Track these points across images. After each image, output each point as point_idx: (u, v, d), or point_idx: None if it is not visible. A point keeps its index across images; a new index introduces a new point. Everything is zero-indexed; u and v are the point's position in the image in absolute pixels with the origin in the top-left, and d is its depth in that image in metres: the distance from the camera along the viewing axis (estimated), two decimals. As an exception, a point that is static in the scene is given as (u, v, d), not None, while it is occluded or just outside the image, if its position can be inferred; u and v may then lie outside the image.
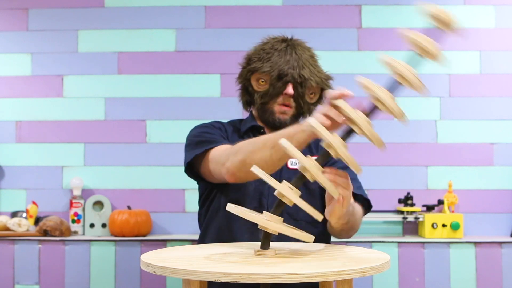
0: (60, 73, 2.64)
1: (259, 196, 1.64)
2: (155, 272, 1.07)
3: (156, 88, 2.62)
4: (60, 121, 2.62)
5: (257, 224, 1.18)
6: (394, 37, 2.60)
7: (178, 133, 2.57)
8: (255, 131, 1.78)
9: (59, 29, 2.65)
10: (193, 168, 1.69)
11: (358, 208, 1.61)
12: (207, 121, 1.81)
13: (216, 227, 1.68)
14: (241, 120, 1.87)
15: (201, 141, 1.65)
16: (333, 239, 1.76)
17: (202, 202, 1.79)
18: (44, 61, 2.64)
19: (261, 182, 1.61)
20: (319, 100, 1.80)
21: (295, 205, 1.19)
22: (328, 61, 2.59)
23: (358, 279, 2.10)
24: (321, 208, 1.69)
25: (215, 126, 1.77)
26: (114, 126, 2.61)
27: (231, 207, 1.18)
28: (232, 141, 1.63)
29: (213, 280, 0.98)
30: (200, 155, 1.63)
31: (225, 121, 1.86)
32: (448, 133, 2.58)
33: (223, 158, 1.52)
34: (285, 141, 1.20)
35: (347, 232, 1.63)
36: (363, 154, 2.52)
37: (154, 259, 1.14)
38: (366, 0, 2.63)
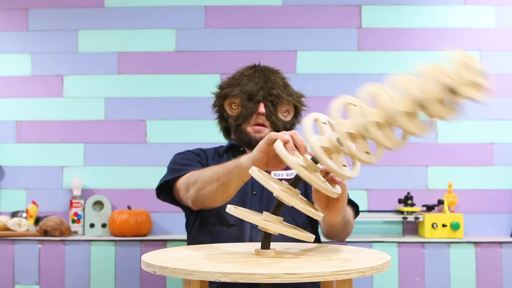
0: (60, 73, 2.63)
1: (242, 206, 1.66)
2: (155, 272, 1.07)
3: (156, 88, 2.62)
4: (60, 121, 2.62)
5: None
6: (394, 37, 2.60)
7: (178, 133, 2.56)
8: (234, 150, 1.84)
9: (59, 29, 2.65)
10: (169, 193, 1.74)
11: (348, 209, 1.61)
12: (191, 148, 1.87)
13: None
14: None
15: (173, 169, 1.72)
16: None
17: (188, 226, 1.82)
18: (44, 61, 2.64)
19: (243, 191, 1.65)
20: (294, 118, 1.87)
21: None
22: (328, 61, 2.61)
23: (358, 279, 2.10)
24: (308, 222, 1.71)
25: (194, 152, 1.83)
26: (114, 126, 2.61)
27: (230, 209, 1.18)
28: (212, 164, 1.66)
29: (213, 280, 0.98)
30: (170, 182, 1.70)
31: (210, 147, 1.92)
32: (448, 133, 2.57)
33: (186, 187, 1.59)
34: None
35: (344, 228, 1.61)
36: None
37: (154, 259, 1.14)
38: (366, 0, 2.63)
